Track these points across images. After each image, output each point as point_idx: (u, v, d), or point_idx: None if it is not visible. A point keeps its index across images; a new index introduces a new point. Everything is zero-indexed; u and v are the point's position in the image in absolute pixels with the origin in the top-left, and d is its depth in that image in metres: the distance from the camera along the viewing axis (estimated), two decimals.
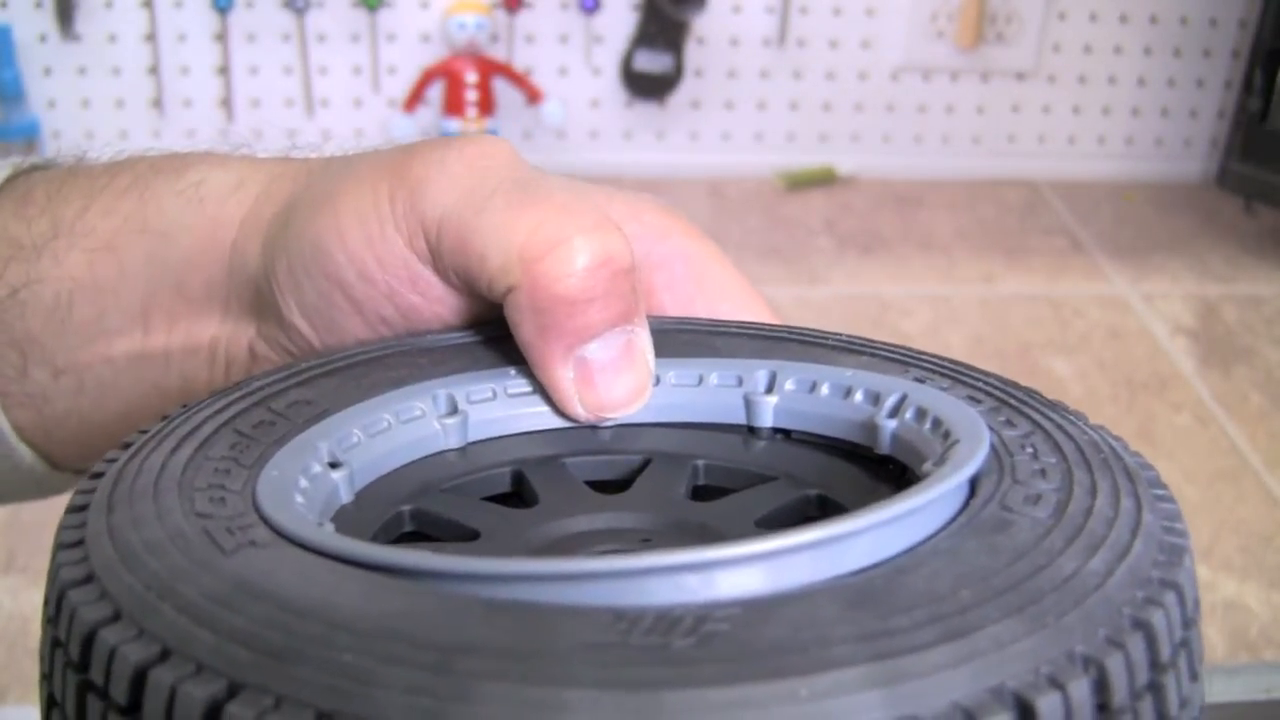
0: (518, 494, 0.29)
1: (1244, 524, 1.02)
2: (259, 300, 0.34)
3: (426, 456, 0.28)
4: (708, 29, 1.61)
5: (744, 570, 0.20)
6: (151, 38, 1.53)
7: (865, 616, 0.19)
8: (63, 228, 0.36)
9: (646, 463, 0.29)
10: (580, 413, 0.29)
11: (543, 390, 0.29)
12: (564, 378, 0.29)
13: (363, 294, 0.31)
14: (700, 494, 0.29)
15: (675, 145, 1.67)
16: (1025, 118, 1.70)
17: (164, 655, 0.19)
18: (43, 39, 1.52)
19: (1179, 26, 1.67)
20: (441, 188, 0.30)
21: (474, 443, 0.29)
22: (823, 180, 1.65)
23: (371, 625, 0.18)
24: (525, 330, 0.29)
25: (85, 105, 1.56)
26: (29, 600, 0.89)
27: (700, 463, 0.29)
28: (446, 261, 0.30)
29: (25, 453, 0.38)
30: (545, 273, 0.28)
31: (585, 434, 0.30)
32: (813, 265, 1.45)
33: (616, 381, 0.29)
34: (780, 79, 1.65)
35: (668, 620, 0.18)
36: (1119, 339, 1.31)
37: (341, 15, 1.55)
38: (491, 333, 0.31)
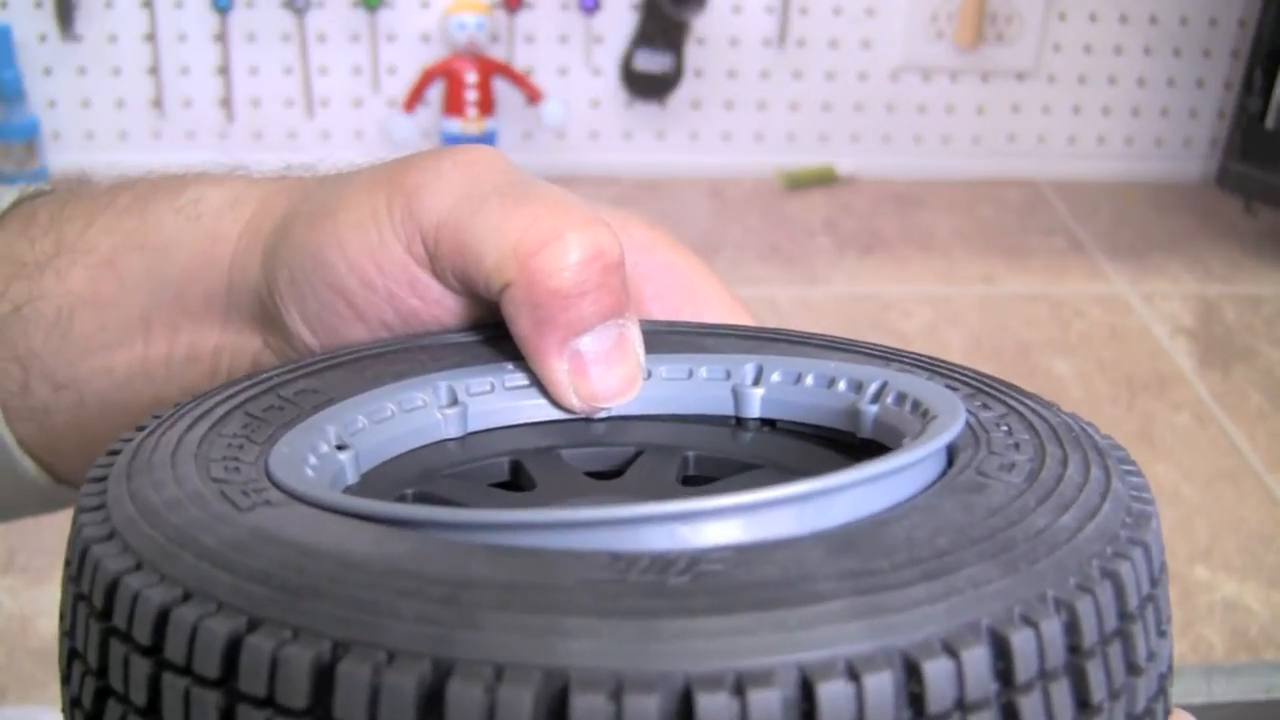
0: (516, 482, 0.30)
1: (1244, 524, 1.02)
2: (263, 312, 0.35)
3: (428, 444, 0.29)
4: (708, 29, 1.61)
5: (733, 521, 0.21)
6: (151, 38, 1.53)
7: (849, 559, 0.20)
8: (65, 246, 0.37)
9: (638, 454, 0.30)
10: (575, 403, 0.30)
11: (539, 384, 0.30)
12: (559, 369, 0.30)
13: (364, 300, 0.32)
14: (690, 483, 0.30)
15: (675, 145, 1.67)
16: (1025, 118, 1.70)
17: (185, 597, 0.19)
18: (43, 39, 1.52)
19: (1179, 26, 1.67)
20: (437, 194, 0.31)
21: (473, 433, 0.30)
22: (823, 180, 1.65)
23: (382, 566, 0.19)
24: (521, 325, 0.30)
25: (85, 105, 1.56)
26: (29, 600, 0.89)
27: (690, 454, 0.30)
28: (445, 264, 0.31)
29: (29, 466, 0.38)
30: (540, 268, 0.29)
31: (580, 426, 0.31)
32: (813, 265, 1.45)
33: (609, 373, 0.30)
34: (780, 79, 1.65)
35: (662, 561, 0.19)
36: (1119, 339, 1.31)
37: (341, 15, 1.55)
38: (488, 333, 0.32)
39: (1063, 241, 1.53)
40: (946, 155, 1.71)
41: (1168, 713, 0.23)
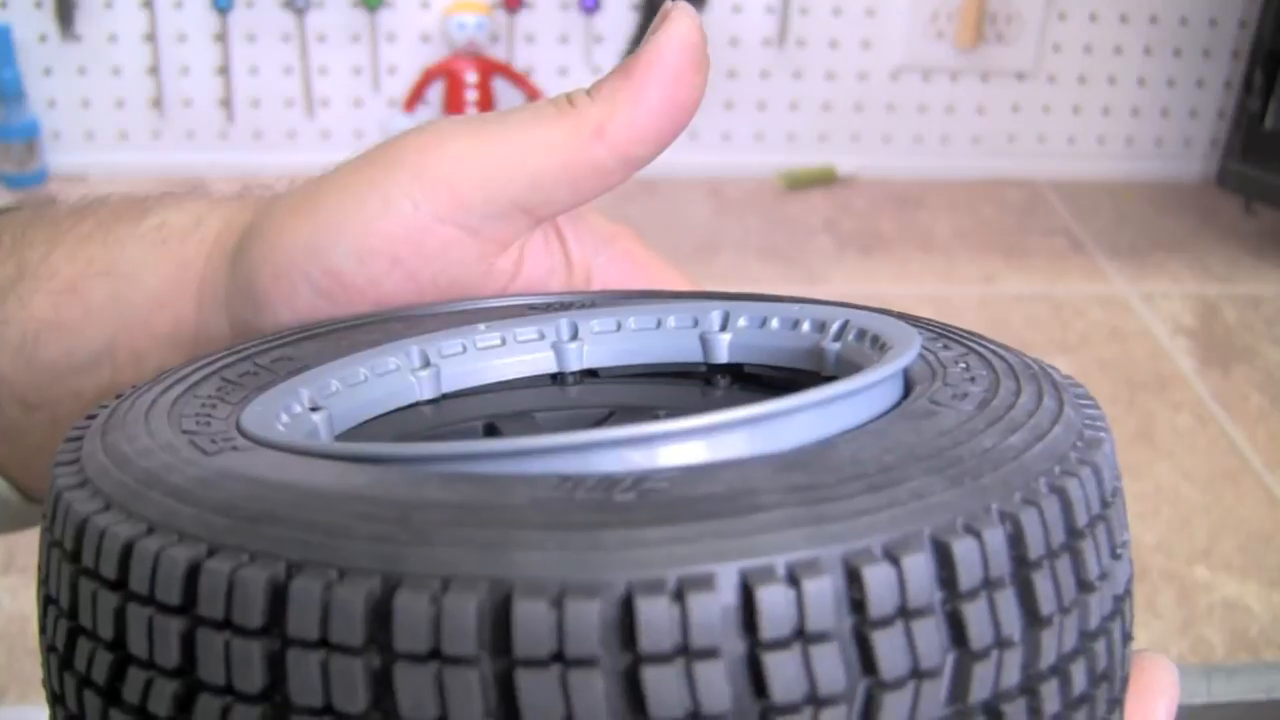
0: None
1: (1244, 524, 1.02)
2: (234, 326, 0.35)
3: (402, 409, 0.30)
4: (708, 29, 1.60)
5: (683, 444, 0.21)
6: (151, 38, 1.53)
7: (794, 475, 0.20)
8: (27, 270, 0.37)
9: (610, 415, 0.31)
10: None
11: (510, 343, 0.31)
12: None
13: (364, 277, 0.32)
14: None
15: (675, 145, 1.66)
16: (1025, 118, 1.70)
17: (149, 530, 0.20)
18: (43, 39, 1.52)
19: (1179, 26, 1.67)
20: (444, 142, 0.32)
21: (447, 397, 0.31)
22: (823, 180, 1.65)
23: (340, 494, 0.20)
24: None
25: (85, 105, 1.56)
26: (29, 600, 0.89)
27: (661, 413, 0.31)
28: (488, 186, 0.32)
29: (2, 485, 0.38)
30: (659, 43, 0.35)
31: (553, 391, 0.32)
32: (813, 265, 1.45)
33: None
34: (780, 79, 1.65)
35: (609, 481, 0.20)
36: (1119, 339, 1.31)
37: (341, 15, 1.55)
38: (465, 305, 0.33)
39: (1063, 241, 1.53)
40: (946, 155, 1.71)
41: (1129, 637, 0.23)
